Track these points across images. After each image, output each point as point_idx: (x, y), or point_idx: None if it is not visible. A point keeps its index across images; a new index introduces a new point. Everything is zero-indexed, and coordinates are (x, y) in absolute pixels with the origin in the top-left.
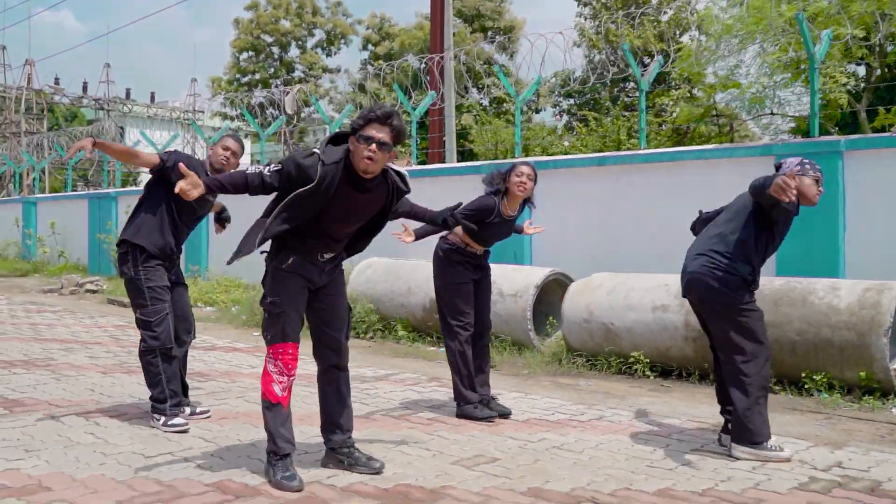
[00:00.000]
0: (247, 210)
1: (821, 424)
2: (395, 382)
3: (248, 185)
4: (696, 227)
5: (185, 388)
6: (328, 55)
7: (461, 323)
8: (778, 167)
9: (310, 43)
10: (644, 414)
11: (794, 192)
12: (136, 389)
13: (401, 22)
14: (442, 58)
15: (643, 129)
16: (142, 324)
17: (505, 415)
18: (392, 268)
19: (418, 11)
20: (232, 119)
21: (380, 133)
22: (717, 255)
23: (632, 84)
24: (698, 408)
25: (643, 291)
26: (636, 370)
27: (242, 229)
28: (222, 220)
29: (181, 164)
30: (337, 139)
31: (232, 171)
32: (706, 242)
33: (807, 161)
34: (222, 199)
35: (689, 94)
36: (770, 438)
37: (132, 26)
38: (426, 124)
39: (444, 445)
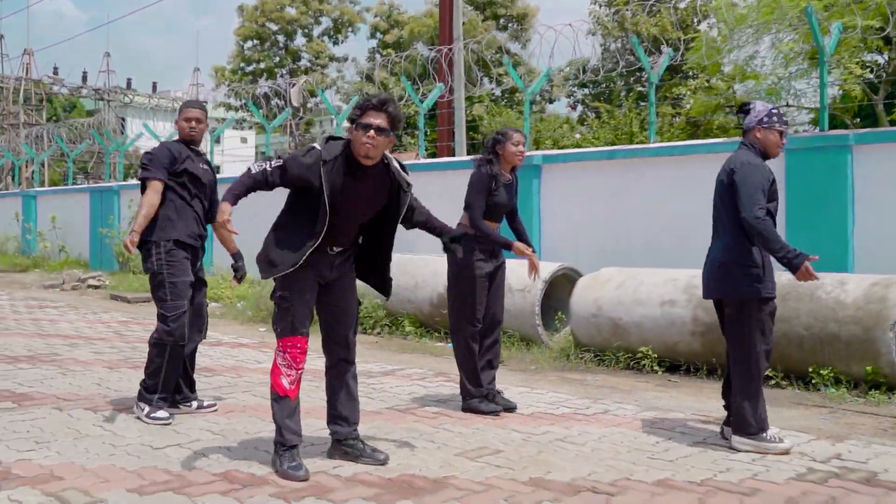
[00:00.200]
0: (251, 210)
1: (824, 418)
2: (401, 378)
3: (255, 185)
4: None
5: (192, 383)
6: (335, 43)
7: (470, 317)
8: (747, 111)
9: (316, 31)
10: (649, 408)
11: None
12: None
13: (410, 9)
14: (451, 49)
15: (653, 122)
16: (160, 317)
17: (510, 409)
18: (399, 263)
19: None
20: (236, 110)
21: (377, 119)
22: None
23: (646, 74)
24: (705, 403)
25: (651, 286)
26: (644, 365)
27: (243, 229)
28: (236, 269)
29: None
30: (333, 140)
31: (238, 178)
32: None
33: (775, 112)
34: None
35: (707, 84)
36: (769, 429)
37: (133, 15)
38: (436, 116)
39: (449, 438)
